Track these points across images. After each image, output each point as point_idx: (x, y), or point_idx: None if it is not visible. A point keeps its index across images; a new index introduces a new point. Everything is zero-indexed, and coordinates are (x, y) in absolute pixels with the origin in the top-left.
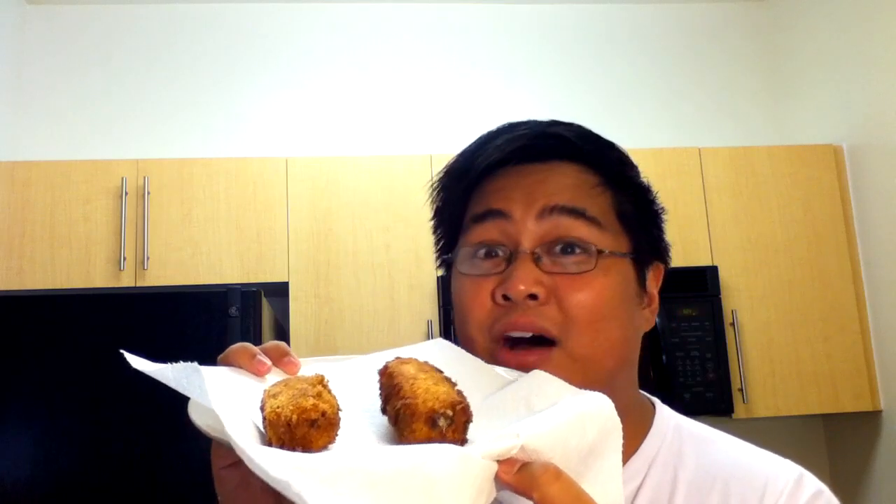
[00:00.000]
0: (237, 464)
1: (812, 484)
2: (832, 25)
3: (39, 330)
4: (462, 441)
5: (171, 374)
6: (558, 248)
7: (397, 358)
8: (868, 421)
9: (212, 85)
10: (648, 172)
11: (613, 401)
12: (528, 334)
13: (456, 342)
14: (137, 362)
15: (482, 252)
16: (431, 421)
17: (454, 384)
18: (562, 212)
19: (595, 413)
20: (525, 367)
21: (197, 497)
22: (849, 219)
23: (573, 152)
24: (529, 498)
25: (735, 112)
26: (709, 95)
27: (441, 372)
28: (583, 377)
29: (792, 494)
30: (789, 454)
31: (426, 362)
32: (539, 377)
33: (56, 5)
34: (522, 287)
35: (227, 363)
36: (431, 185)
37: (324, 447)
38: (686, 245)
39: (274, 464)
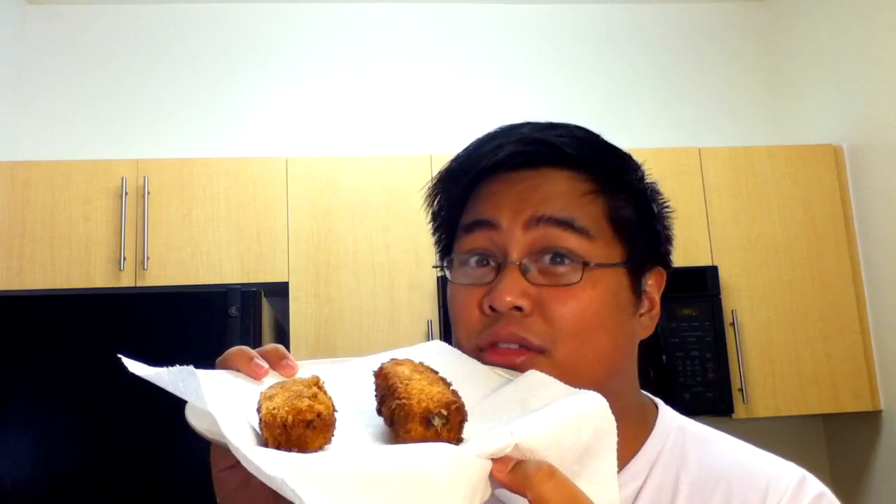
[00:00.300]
0: (237, 466)
1: (815, 486)
2: (832, 25)
3: (39, 330)
4: (457, 440)
5: (167, 377)
6: (546, 258)
7: (392, 359)
8: (868, 421)
9: (212, 85)
10: (648, 172)
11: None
12: (515, 345)
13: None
14: (134, 366)
15: (474, 260)
16: (426, 421)
17: (449, 384)
18: (549, 222)
19: (590, 413)
20: (513, 367)
21: (197, 497)
22: (849, 219)
23: (566, 158)
24: (523, 496)
25: (735, 112)
26: (709, 95)
27: (436, 372)
28: (570, 384)
29: (794, 496)
30: (789, 454)
31: (421, 363)
32: (535, 378)
33: (56, 5)
34: (508, 298)
35: (224, 366)
36: (426, 189)
37: (320, 448)
38: (686, 245)
39: (269, 462)
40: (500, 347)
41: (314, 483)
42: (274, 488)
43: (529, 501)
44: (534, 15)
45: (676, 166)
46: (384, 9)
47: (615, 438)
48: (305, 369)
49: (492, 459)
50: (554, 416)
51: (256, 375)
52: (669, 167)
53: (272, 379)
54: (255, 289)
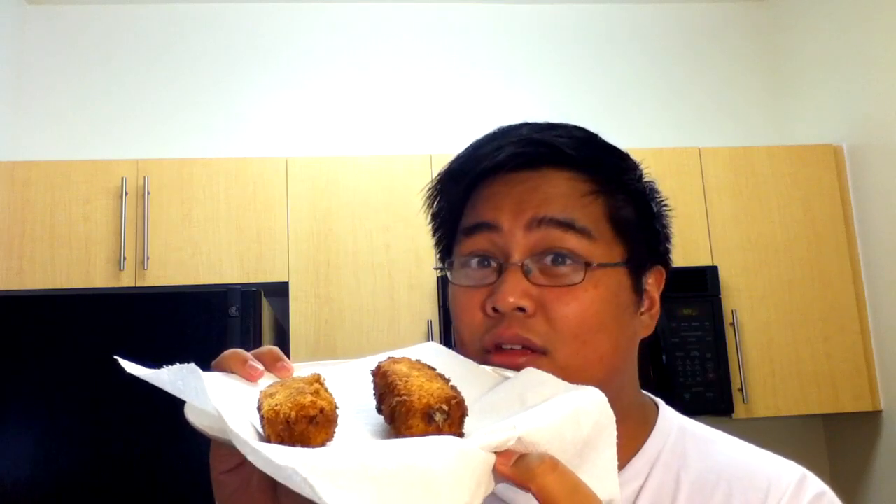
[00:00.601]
0: (236, 468)
1: (815, 485)
2: (832, 25)
3: (39, 330)
4: (458, 435)
5: (166, 377)
6: (548, 258)
7: (390, 358)
8: (868, 421)
9: (212, 85)
10: (647, 172)
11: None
12: (518, 346)
13: (454, 344)
14: (132, 367)
15: (475, 261)
16: (427, 417)
17: (447, 380)
18: (551, 223)
19: (589, 408)
20: (516, 368)
21: (197, 497)
22: (849, 219)
23: (566, 159)
24: (527, 489)
25: (735, 112)
26: (709, 95)
27: (434, 369)
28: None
29: (795, 495)
30: (789, 454)
31: (419, 361)
32: (532, 374)
33: (56, 5)
34: (511, 299)
35: (220, 369)
36: (426, 191)
37: (322, 444)
38: (686, 245)
39: (278, 454)
40: (504, 349)
41: (321, 475)
42: (281, 480)
43: (533, 494)
44: (534, 15)
45: (676, 166)
46: (384, 9)
47: (614, 432)
48: (301, 371)
49: (495, 453)
50: (554, 411)
51: (252, 378)
52: (669, 167)
53: (267, 381)
54: (255, 289)
